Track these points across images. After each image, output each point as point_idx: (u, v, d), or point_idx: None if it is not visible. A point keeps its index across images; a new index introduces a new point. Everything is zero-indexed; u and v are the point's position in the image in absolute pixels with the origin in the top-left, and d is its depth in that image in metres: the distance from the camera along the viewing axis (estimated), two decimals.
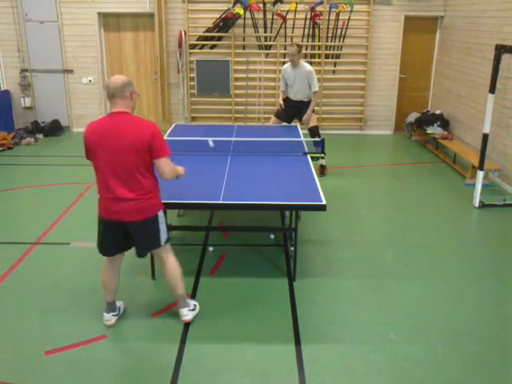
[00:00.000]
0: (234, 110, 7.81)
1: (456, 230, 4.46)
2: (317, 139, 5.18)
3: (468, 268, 3.77)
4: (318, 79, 7.67)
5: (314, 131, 5.62)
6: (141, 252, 2.85)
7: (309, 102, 5.59)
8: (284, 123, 5.77)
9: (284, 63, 7.63)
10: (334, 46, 7.59)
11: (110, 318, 2.99)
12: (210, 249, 3.93)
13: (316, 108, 7.81)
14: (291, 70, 5.46)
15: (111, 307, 3.01)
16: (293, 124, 5.71)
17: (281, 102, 5.70)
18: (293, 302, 3.25)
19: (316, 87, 5.50)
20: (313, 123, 5.64)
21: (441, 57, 7.64)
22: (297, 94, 5.58)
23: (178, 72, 7.67)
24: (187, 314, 2.97)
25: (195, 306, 3.06)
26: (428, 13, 7.49)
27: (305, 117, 5.59)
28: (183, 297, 2.98)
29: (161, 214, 2.78)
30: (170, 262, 2.89)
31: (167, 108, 7.83)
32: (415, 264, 3.80)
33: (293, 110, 5.68)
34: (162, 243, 2.81)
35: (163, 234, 2.80)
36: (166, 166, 2.65)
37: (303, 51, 7.60)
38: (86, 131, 2.62)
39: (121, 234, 2.77)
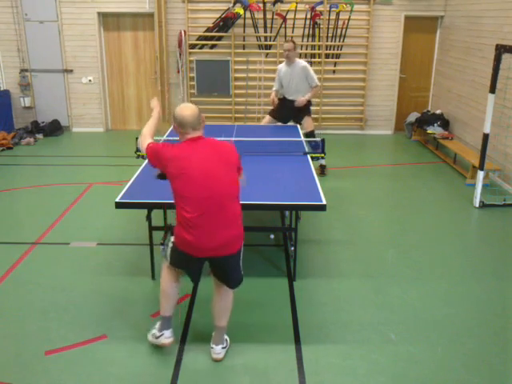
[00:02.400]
0: (233, 109, 7.81)
1: (456, 230, 4.46)
2: (315, 139, 5.12)
3: (468, 268, 3.77)
4: (319, 79, 7.69)
5: (310, 136, 5.52)
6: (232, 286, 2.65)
7: (308, 101, 5.50)
8: (278, 123, 5.64)
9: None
10: (334, 46, 7.58)
11: (170, 335, 2.66)
12: None
13: (316, 108, 7.83)
14: (286, 68, 5.37)
15: (168, 322, 2.67)
16: (292, 124, 5.68)
17: (275, 99, 5.54)
18: (293, 302, 3.25)
19: (316, 81, 5.42)
20: (310, 128, 5.55)
21: (441, 57, 7.64)
22: (295, 93, 5.43)
23: (178, 72, 7.66)
24: (220, 351, 2.66)
25: (227, 341, 2.76)
26: (428, 13, 7.49)
27: (301, 99, 5.35)
28: (224, 331, 2.70)
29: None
30: (229, 291, 2.65)
31: (167, 108, 7.83)
32: (415, 264, 3.80)
33: (290, 111, 5.52)
34: (241, 278, 2.67)
35: (241, 269, 2.65)
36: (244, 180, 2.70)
37: (303, 51, 7.60)
38: (169, 149, 2.45)
39: (202, 266, 2.60)
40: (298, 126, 5.46)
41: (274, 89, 5.62)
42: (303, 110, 5.50)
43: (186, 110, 2.45)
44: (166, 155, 2.43)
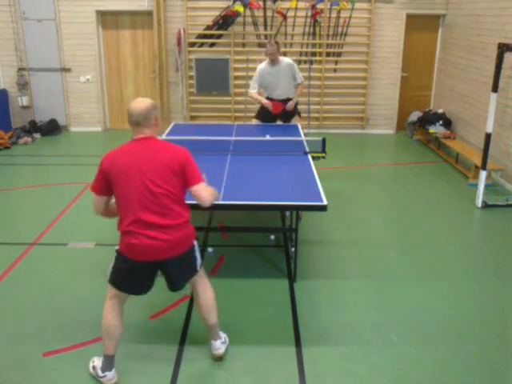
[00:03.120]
0: (233, 108, 7.76)
1: (458, 231, 4.42)
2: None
3: (470, 269, 3.73)
4: (319, 78, 7.68)
5: None
6: (176, 288, 2.52)
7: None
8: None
9: None
10: (335, 45, 7.54)
11: (112, 376, 2.46)
12: (210, 249, 3.89)
13: (317, 107, 7.80)
14: (271, 68, 5.07)
15: (111, 362, 2.48)
16: (293, 123, 5.63)
17: (266, 101, 5.20)
18: (293, 303, 3.21)
19: (301, 78, 5.24)
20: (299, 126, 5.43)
21: (443, 55, 7.59)
22: (283, 92, 5.20)
23: (177, 70, 7.62)
24: (220, 347, 2.63)
25: (226, 338, 2.71)
26: (430, 11, 7.44)
27: (290, 103, 5.18)
28: (217, 326, 2.64)
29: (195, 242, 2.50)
30: (207, 289, 2.56)
31: (166, 107, 7.79)
32: (417, 265, 3.76)
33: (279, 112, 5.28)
34: (198, 269, 2.51)
35: (199, 261, 2.51)
36: (205, 192, 2.39)
37: (304, 50, 7.56)
38: (105, 159, 2.32)
39: (153, 273, 2.42)
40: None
41: (252, 91, 5.21)
42: (291, 111, 5.31)
43: (136, 103, 2.34)
44: (101, 170, 2.32)
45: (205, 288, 2.56)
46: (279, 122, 5.53)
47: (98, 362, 2.53)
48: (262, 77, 5.12)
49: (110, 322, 2.45)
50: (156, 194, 2.25)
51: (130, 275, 2.39)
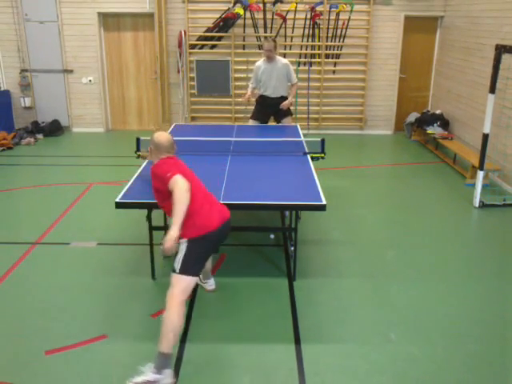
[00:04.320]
0: (233, 110, 7.81)
1: (456, 230, 4.46)
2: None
3: (468, 268, 3.77)
4: (318, 79, 7.73)
5: None
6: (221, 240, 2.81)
7: (287, 98, 5.39)
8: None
9: None
10: (334, 46, 7.59)
11: (171, 372, 2.45)
12: None
13: (316, 108, 7.84)
14: (266, 65, 5.23)
15: (170, 359, 2.45)
16: (293, 124, 5.68)
17: (249, 93, 5.37)
18: (293, 301, 3.25)
19: (295, 79, 5.38)
20: (289, 124, 5.51)
21: (441, 57, 7.64)
22: (276, 90, 5.32)
23: (178, 72, 7.67)
24: (213, 283, 3.27)
25: (162, 374, 2.41)
26: (428, 13, 7.49)
27: (285, 102, 5.30)
28: (162, 357, 2.41)
29: None
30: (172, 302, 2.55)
31: (167, 108, 7.83)
32: (415, 264, 3.80)
33: (271, 109, 5.42)
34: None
35: None
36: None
37: (303, 51, 7.61)
38: (174, 163, 2.80)
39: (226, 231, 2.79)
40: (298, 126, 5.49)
41: (251, 86, 5.45)
42: (285, 110, 5.42)
43: (164, 135, 2.89)
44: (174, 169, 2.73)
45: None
46: (272, 121, 5.66)
47: (152, 374, 2.39)
48: (257, 73, 5.31)
49: (180, 323, 2.51)
50: (204, 187, 2.91)
51: (215, 241, 2.71)
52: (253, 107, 5.71)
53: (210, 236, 2.61)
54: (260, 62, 5.33)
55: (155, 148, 2.82)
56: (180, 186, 2.50)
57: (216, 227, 2.63)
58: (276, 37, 7.49)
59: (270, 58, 5.22)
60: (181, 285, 2.55)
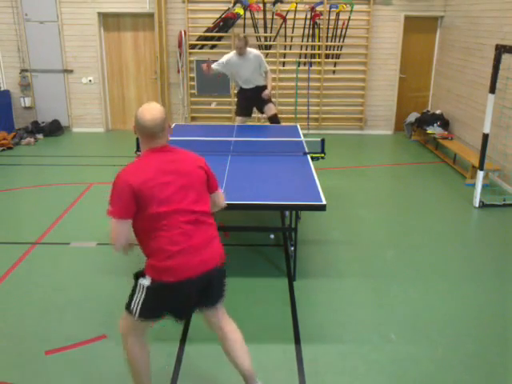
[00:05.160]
0: (233, 110, 7.79)
1: (456, 230, 4.46)
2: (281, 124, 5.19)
3: (468, 268, 3.77)
4: (319, 79, 7.74)
5: (274, 119, 5.60)
6: (214, 304, 2.21)
7: (264, 86, 5.51)
8: (248, 120, 5.78)
9: (284, 63, 7.67)
10: (334, 46, 7.59)
11: None
12: None
13: (316, 108, 7.84)
14: (237, 58, 5.36)
15: None
16: (292, 124, 5.70)
17: (204, 65, 5.39)
18: (293, 301, 3.25)
19: (267, 67, 5.52)
20: (272, 112, 5.59)
21: (441, 57, 7.64)
22: (251, 81, 5.48)
23: (178, 72, 7.67)
24: None
25: None
26: (428, 13, 7.49)
27: (266, 92, 5.44)
28: (252, 375, 2.24)
29: None
30: (234, 327, 2.24)
31: (167, 108, 7.83)
32: (415, 264, 3.80)
33: (251, 100, 5.56)
34: (224, 295, 2.24)
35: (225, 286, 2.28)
36: (222, 199, 2.34)
37: (303, 51, 7.61)
38: (128, 175, 2.00)
39: (196, 291, 2.10)
40: (263, 114, 5.68)
41: (214, 66, 5.43)
42: (265, 99, 5.54)
43: (148, 113, 2.03)
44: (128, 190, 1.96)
45: (232, 326, 2.24)
46: (256, 112, 5.81)
47: None
48: (229, 65, 5.43)
49: (139, 365, 2.17)
50: (194, 204, 2.05)
51: (170, 299, 2.07)
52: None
53: (173, 287, 2.00)
54: (231, 54, 5.45)
55: (137, 129, 2.08)
56: (111, 234, 1.98)
57: (185, 277, 1.98)
58: (276, 37, 7.49)
59: (241, 54, 5.36)
60: (127, 322, 2.13)
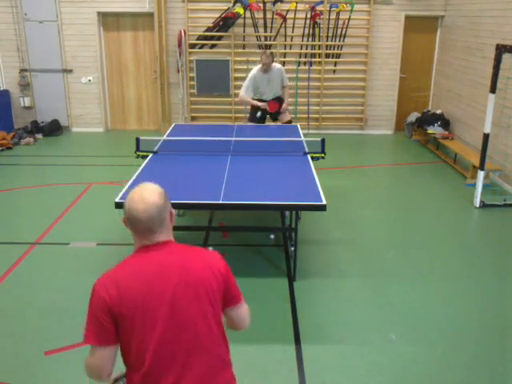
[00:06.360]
0: (233, 109, 7.80)
1: (456, 230, 4.45)
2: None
3: (468, 268, 3.77)
4: (319, 79, 7.73)
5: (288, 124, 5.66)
6: None
7: (281, 96, 5.59)
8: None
9: (284, 63, 7.65)
10: (334, 46, 7.58)
11: None
12: (210, 249, 3.92)
13: (316, 108, 7.84)
14: (263, 75, 5.38)
15: None
16: (293, 124, 5.69)
17: (262, 104, 5.45)
18: (293, 302, 3.25)
19: (287, 81, 5.60)
20: (287, 118, 5.65)
21: (441, 56, 7.63)
22: (273, 94, 5.53)
23: (178, 71, 7.66)
24: None
25: None
26: (428, 12, 7.48)
27: (284, 106, 5.55)
28: None
29: None
30: None
31: (167, 108, 7.82)
32: (415, 264, 3.79)
33: (267, 111, 5.57)
34: None
35: None
36: (247, 314, 1.68)
37: (303, 51, 7.60)
38: (105, 288, 1.44)
39: None
40: (276, 121, 5.71)
41: (245, 94, 5.40)
42: (280, 102, 5.59)
43: (143, 202, 1.49)
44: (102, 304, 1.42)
45: None
46: (269, 121, 5.79)
47: None
48: (256, 82, 5.41)
49: None
50: (198, 332, 1.47)
51: None
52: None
53: None
54: (256, 72, 5.41)
55: (127, 222, 1.55)
56: (90, 370, 1.48)
57: None
58: (276, 36, 7.48)
59: (266, 70, 5.36)
60: None
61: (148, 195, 1.50)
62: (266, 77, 5.39)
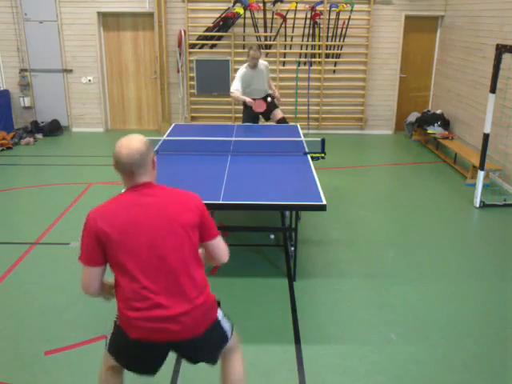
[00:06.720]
0: (233, 109, 7.80)
1: (456, 230, 4.45)
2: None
3: (468, 268, 3.77)
4: (319, 79, 7.73)
5: (282, 121, 5.63)
6: (200, 361, 2.02)
7: (269, 94, 5.58)
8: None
9: (284, 63, 7.66)
10: (334, 46, 7.58)
11: None
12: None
13: (316, 108, 7.84)
14: (251, 71, 5.39)
15: None
16: (293, 124, 5.70)
17: (249, 100, 5.37)
18: (293, 302, 3.25)
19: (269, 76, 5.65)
20: (279, 116, 5.62)
21: (441, 56, 7.63)
22: (261, 92, 5.54)
23: (178, 71, 7.66)
24: None
25: None
26: (428, 12, 7.48)
27: (277, 96, 5.55)
28: None
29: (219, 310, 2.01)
30: (236, 363, 2.07)
31: (167, 108, 7.83)
32: (415, 264, 3.79)
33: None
34: (229, 337, 2.03)
35: (228, 327, 2.02)
36: (224, 247, 1.97)
37: (303, 51, 7.61)
38: (96, 218, 1.78)
39: (164, 354, 1.92)
40: (269, 120, 5.70)
41: (236, 92, 5.35)
42: (270, 105, 5.57)
43: (126, 147, 1.79)
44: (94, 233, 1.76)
45: (234, 361, 2.07)
46: (262, 119, 5.79)
47: None
48: (244, 79, 5.41)
49: None
50: (169, 258, 1.78)
51: (131, 353, 1.90)
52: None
53: (128, 342, 1.83)
54: (245, 70, 5.42)
55: (114, 166, 1.83)
56: (82, 284, 1.83)
57: (134, 337, 1.80)
58: (276, 36, 7.49)
59: (255, 65, 5.39)
60: (107, 361, 2.02)
61: (132, 143, 1.80)
62: (254, 73, 5.41)
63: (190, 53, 7.61)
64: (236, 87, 5.37)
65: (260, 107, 5.42)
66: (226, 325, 2.02)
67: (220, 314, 2.00)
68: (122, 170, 1.81)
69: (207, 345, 1.93)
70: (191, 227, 1.83)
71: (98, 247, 1.77)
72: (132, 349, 1.86)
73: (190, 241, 1.82)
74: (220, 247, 1.95)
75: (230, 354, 2.07)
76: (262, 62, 5.52)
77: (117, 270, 1.80)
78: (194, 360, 2.00)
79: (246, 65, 5.42)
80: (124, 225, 1.76)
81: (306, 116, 7.79)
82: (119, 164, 1.80)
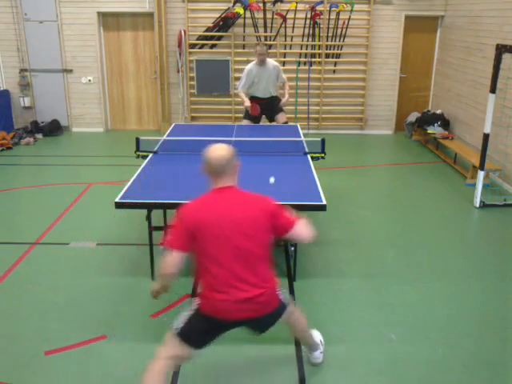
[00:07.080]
0: (233, 109, 7.80)
1: (456, 230, 4.45)
2: None
3: (468, 268, 3.77)
4: (319, 79, 7.73)
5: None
6: (261, 331, 2.35)
7: (277, 97, 5.55)
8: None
9: (284, 63, 7.65)
10: (334, 46, 7.58)
11: None
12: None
13: (316, 108, 7.84)
14: (258, 68, 5.36)
15: None
16: (293, 124, 5.70)
17: (247, 101, 5.42)
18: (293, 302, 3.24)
19: (284, 78, 5.56)
20: (283, 119, 5.62)
21: (441, 56, 7.63)
22: (267, 91, 5.49)
23: (178, 71, 7.66)
24: (319, 356, 2.64)
25: (322, 341, 2.69)
26: (428, 12, 7.48)
27: (283, 101, 5.48)
28: (315, 344, 2.62)
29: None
30: (299, 320, 2.46)
31: (167, 108, 7.83)
32: (415, 264, 3.79)
33: (263, 110, 5.53)
34: (287, 305, 2.35)
35: (285, 297, 2.36)
36: (302, 232, 2.28)
37: (303, 51, 7.61)
38: (188, 212, 2.15)
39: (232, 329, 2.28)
40: (273, 122, 5.63)
41: (242, 89, 5.44)
42: (276, 108, 5.55)
43: (215, 153, 2.18)
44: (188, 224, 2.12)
45: (297, 318, 2.45)
46: (264, 119, 5.75)
47: None
48: (250, 77, 5.39)
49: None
50: (249, 250, 2.13)
51: (210, 332, 2.22)
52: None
53: (215, 321, 2.17)
54: (251, 66, 5.40)
55: (204, 167, 2.22)
56: (164, 265, 2.12)
57: (221, 317, 2.15)
58: (276, 36, 7.49)
59: (262, 62, 5.34)
60: (170, 349, 2.20)
61: (220, 149, 2.21)
62: (261, 71, 5.36)
63: (190, 53, 7.62)
64: (241, 86, 5.43)
65: (255, 111, 5.44)
66: (284, 298, 2.35)
67: (280, 292, 2.34)
68: (211, 172, 2.18)
69: (276, 319, 2.29)
70: (265, 225, 2.16)
71: (188, 236, 2.09)
72: (213, 329, 2.20)
73: (264, 238, 2.18)
74: (300, 234, 2.26)
75: (292, 314, 2.41)
76: (273, 63, 5.46)
77: (205, 259, 2.12)
78: (262, 331, 2.33)
79: (254, 62, 5.40)
80: (213, 219, 2.09)
81: (306, 116, 7.79)
82: (207, 164, 2.18)
